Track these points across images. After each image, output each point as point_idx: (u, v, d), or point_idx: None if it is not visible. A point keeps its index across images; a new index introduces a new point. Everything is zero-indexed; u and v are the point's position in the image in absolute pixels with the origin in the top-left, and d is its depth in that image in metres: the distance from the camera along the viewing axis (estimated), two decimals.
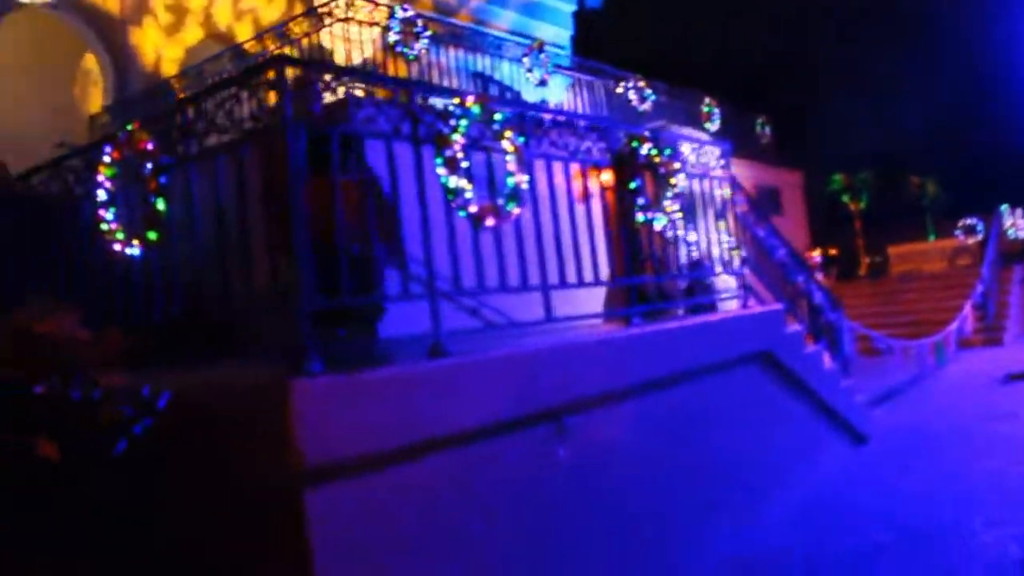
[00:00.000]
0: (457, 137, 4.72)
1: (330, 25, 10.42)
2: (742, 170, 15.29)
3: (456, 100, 4.83)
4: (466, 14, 18.79)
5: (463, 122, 4.78)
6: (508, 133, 5.06)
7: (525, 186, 5.11)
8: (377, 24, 10.03)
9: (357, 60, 12.30)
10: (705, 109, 14.53)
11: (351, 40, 10.56)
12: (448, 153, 4.68)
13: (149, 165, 4.63)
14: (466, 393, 4.26)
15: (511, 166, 5.08)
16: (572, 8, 20.90)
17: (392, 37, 9.78)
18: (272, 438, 3.65)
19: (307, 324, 3.89)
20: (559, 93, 13.34)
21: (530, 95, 12.32)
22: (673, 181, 6.45)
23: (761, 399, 6.96)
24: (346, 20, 10.28)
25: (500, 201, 5.00)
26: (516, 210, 5.04)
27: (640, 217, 6.20)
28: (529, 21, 19.94)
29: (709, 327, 6.57)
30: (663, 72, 20.35)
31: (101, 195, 4.94)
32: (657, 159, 6.39)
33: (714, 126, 14.69)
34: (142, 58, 14.18)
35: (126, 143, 4.78)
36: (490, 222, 4.90)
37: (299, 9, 15.80)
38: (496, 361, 4.45)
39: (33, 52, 13.95)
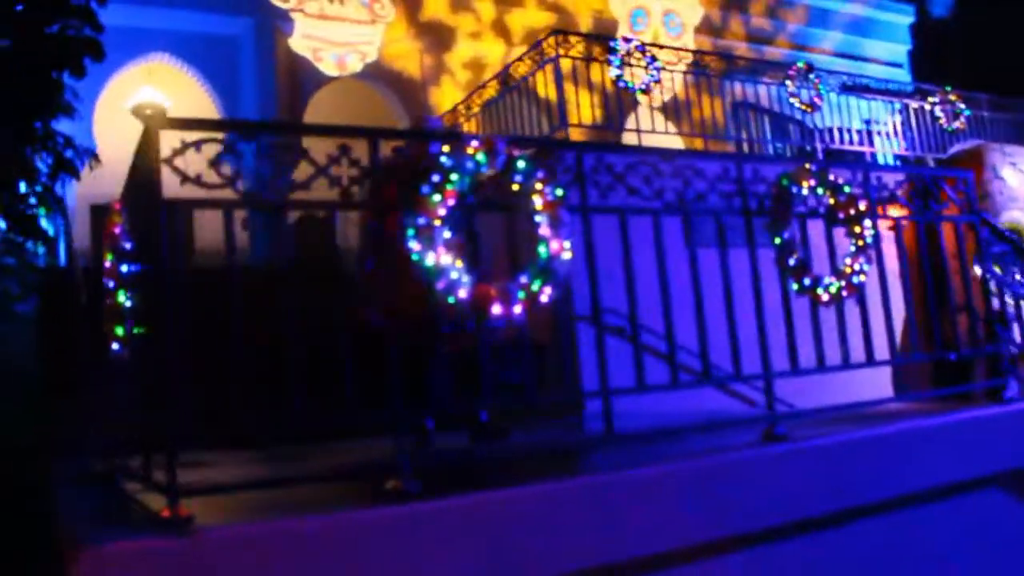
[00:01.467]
0: (438, 199, 3.26)
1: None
2: None
3: (446, 148, 3.37)
4: (784, 40, 16.68)
5: (453, 177, 3.31)
6: (538, 185, 3.49)
7: (567, 255, 3.49)
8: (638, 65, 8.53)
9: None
10: None
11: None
12: (421, 222, 3.24)
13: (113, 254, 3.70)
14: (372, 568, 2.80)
15: (544, 230, 3.49)
16: (909, 20, 17.86)
17: (614, 71, 8.31)
18: None
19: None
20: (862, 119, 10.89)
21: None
22: (857, 229, 4.39)
23: (1009, 543, 4.53)
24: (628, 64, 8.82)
25: (523, 279, 3.43)
26: (547, 291, 3.44)
27: (794, 285, 4.22)
28: (859, 40, 17.36)
29: (930, 433, 4.40)
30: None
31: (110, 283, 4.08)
32: (833, 200, 4.38)
33: None
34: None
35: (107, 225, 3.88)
36: (497, 310, 3.35)
37: (597, 52, 14.75)
38: (431, 516, 2.92)
39: (346, 119, 14.12)
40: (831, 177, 4.31)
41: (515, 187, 3.49)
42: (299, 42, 12.55)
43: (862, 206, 4.42)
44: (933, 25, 17.94)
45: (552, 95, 8.77)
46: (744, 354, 4.21)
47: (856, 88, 10.03)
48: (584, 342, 5.15)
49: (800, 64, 9.42)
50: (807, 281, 4.19)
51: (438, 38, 13.79)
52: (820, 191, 4.28)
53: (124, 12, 11.53)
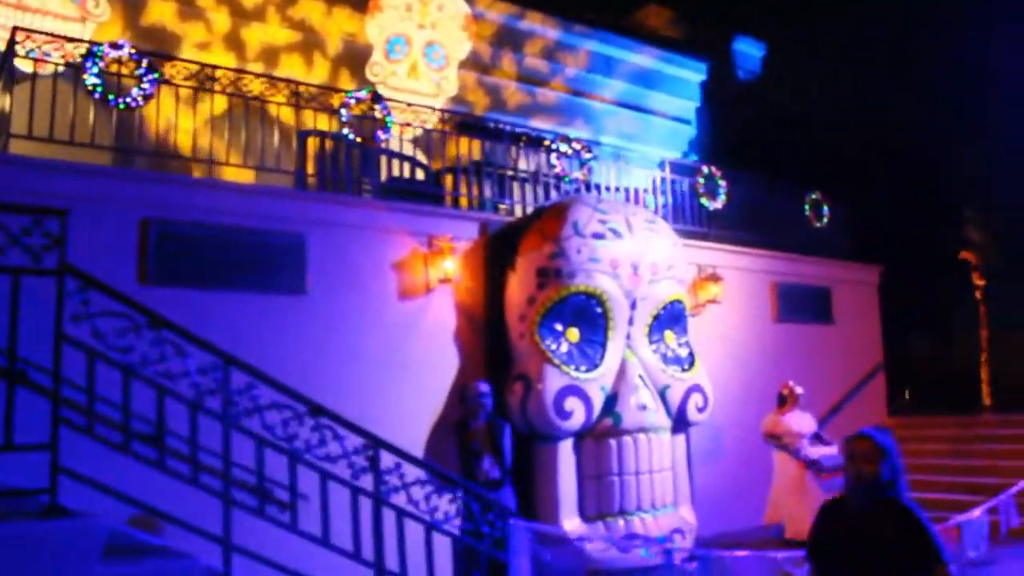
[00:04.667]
0: None
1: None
2: (766, 264, 10.32)
3: None
4: (561, 83, 15.37)
5: None
6: None
7: None
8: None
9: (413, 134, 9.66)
10: (701, 180, 9.91)
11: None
12: None
13: None
14: None
15: None
16: (700, 78, 16.59)
17: (90, 80, 6.97)
18: None
19: None
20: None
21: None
22: None
23: None
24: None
25: None
26: None
27: None
28: (645, 92, 16.03)
29: None
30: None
31: None
32: None
33: (716, 202, 10.01)
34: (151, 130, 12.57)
35: None
36: None
37: (344, 79, 13.44)
38: None
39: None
40: None
41: None
42: None
43: None
44: (728, 85, 16.69)
45: None
46: None
47: (473, 128, 8.70)
48: None
49: (365, 92, 8.10)
50: None
51: (159, 45, 12.45)
52: None
53: None
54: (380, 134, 7.85)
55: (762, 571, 5.46)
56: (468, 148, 8.79)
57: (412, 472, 4.67)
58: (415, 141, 11.08)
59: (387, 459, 4.56)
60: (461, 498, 4.76)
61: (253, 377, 4.19)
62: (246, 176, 8.43)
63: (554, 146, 8.93)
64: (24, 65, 7.03)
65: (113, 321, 3.83)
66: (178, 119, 7.76)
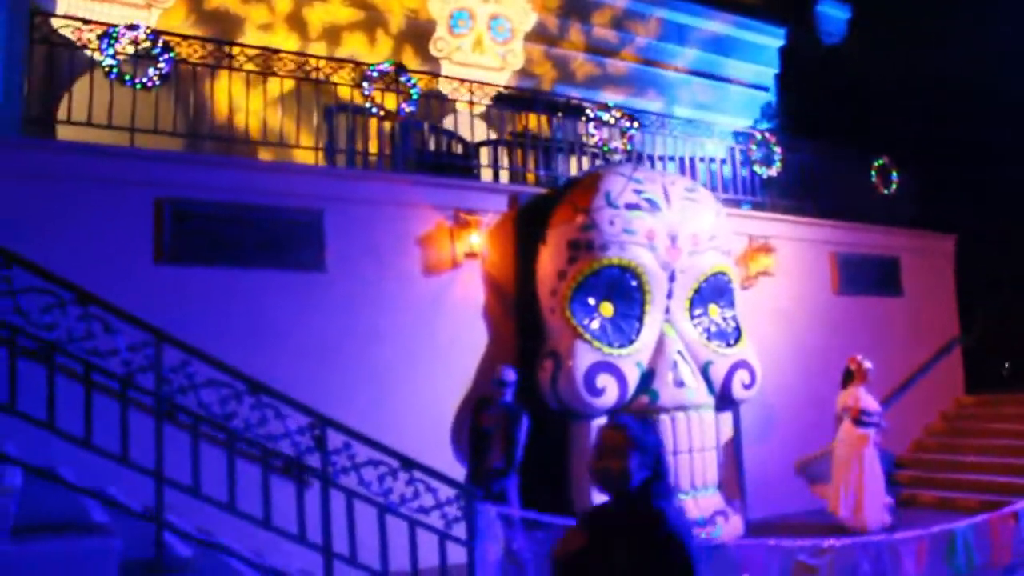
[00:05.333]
0: None
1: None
2: (825, 233, 9.56)
3: None
4: (631, 53, 14.79)
5: None
6: None
7: None
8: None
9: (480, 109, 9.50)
10: (753, 147, 9.24)
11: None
12: None
13: None
14: None
15: None
16: (779, 43, 15.70)
17: (106, 60, 6.96)
18: None
19: None
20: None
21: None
22: None
23: None
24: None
25: None
26: None
27: None
28: (719, 59, 15.27)
29: None
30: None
31: None
32: None
33: (770, 170, 9.32)
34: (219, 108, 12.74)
35: None
36: None
37: (408, 56, 13.28)
38: None
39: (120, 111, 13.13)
40: None
41: None
42: (62, 22, 11.57)
43: None
44: (810, 50, 15.68)
45: None
46: None
47: (513, 101, 8.38)
48: None
49: (387, 64, 7.87)
50: None
51: (223, 28, 12.57)
52: None
53: None
54: (404, 107, 7.63)
55: (771, 562, 5.00)
56: (536, 122, 8.49)
57: (364, 452, 4.46)
58: (482, 116, 10.84)
59: (336, 439, 4.36)
60: (418, 480, 4.52)
61: (188, 354, 4.07)
62: (293, 156, 8.38)
63: (591, 115, 8.51)
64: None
65: (38, 298, 3.75)
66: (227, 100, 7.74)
